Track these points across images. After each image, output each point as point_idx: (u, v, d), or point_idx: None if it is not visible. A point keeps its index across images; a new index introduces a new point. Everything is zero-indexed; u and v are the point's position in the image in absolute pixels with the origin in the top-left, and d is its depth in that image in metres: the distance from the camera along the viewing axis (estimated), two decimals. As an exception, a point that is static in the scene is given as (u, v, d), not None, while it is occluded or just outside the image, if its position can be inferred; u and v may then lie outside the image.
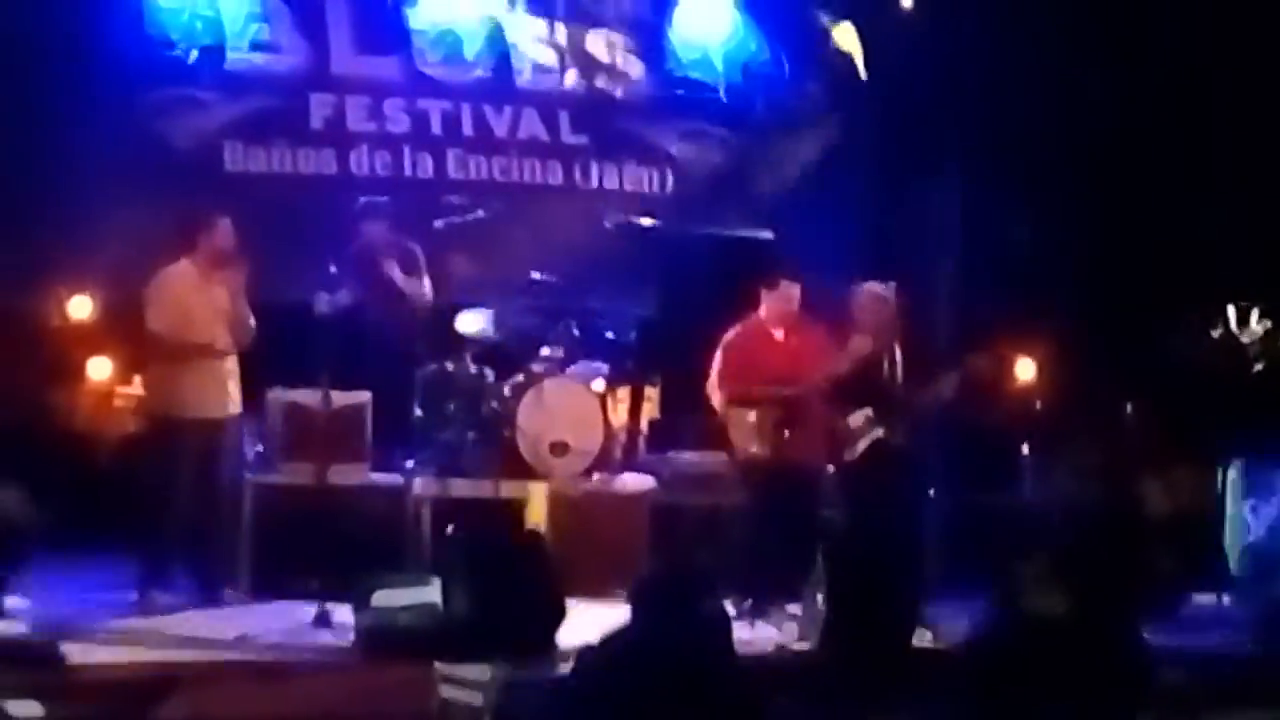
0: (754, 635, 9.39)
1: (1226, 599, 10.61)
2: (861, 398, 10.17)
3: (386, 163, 12.85)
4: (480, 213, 11.87)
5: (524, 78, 13.23)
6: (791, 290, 10.35)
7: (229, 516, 9.99)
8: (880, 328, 10.33)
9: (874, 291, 10.43)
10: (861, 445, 10.17)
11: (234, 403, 9.96)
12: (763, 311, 10.41)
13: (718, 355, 10.44)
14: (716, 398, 10.36)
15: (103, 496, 10.20)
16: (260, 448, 10.77)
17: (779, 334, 10.36)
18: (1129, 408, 11.36)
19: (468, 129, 13.08)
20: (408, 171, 12.90)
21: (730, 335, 10.48)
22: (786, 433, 10.04)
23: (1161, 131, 12.68)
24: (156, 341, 9.79)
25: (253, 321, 9.94)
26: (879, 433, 10.18)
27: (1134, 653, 7.65)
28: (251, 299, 10.09)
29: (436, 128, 13.01)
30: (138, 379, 10.13)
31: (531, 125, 13.23)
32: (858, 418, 10.19)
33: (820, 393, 10.15)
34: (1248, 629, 10.01)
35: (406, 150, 12.92)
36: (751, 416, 10.12)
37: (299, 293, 10.46)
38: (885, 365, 10.31)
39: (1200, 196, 12.73)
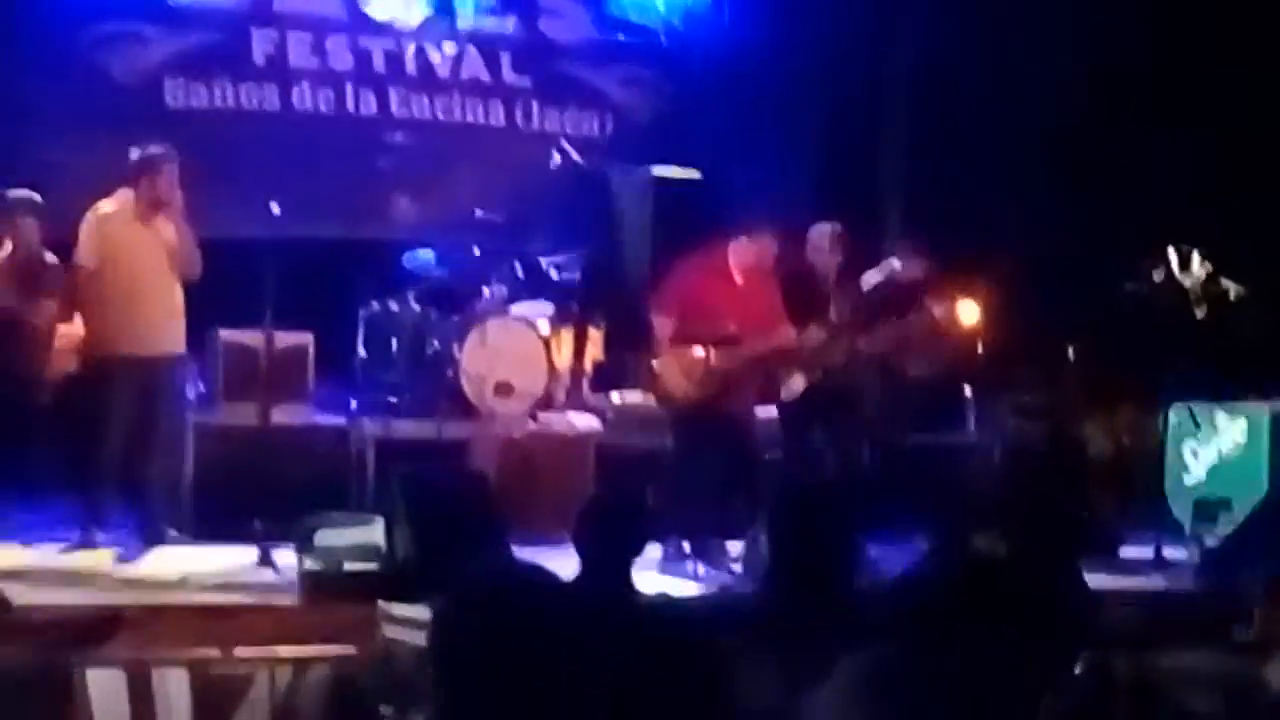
0: (696, 575, 9.41)
1: (1166, 540, 10.69)
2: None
3: (329, 100, 12.80)
4: (424, 152, 11.84)
5: (465, 18, 13.19)
6: (769, 244, 10.13)
7: (171, 456, 9.91)
8: (823, 268, 10.36)
9: (818, 232, 10.47)
10: (802, 385, 10.16)
11: (176, 340, 9.82)
12: (731, 254, 10.07)
13: (672, 282, 10.16)
14: (659, 322, 10.11)
15: (44, 437, 10.13)
16: (203, 388, 10.73)
17: (739, 280, 10.07)
18: (1070, 350, 11.39)
19: (410, 68, 13.04)
20: (350, 109, 12.85)
21: (691, 266, 10.16)
22: (729, 373, 9.93)
23: (1106, 74, 12.70)
24: (86, 276, 9.67)
25: (198, 256, 9.79)
26: (820, 373, 10.18)
27: (1074, 593, 7.72)
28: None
29: (379, 66, 12.96)
30: (78, 317, 9.99)
31: (473, 66, 13.19)
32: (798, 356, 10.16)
33: (765, 344, 10.01)
34: (1187, 570, 10.09)
35: (349, 88, 12.86)
36: (695, 353, 9.96)
37: (240, 230, 10.40)
38: (827, 306, 10.32)
39: (1142, 139, 12.77)
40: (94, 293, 9.66)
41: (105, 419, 9.58)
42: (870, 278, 10.83)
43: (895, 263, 10.98)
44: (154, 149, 9.70)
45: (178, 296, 9.73)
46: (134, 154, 9.69)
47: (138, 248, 9.60)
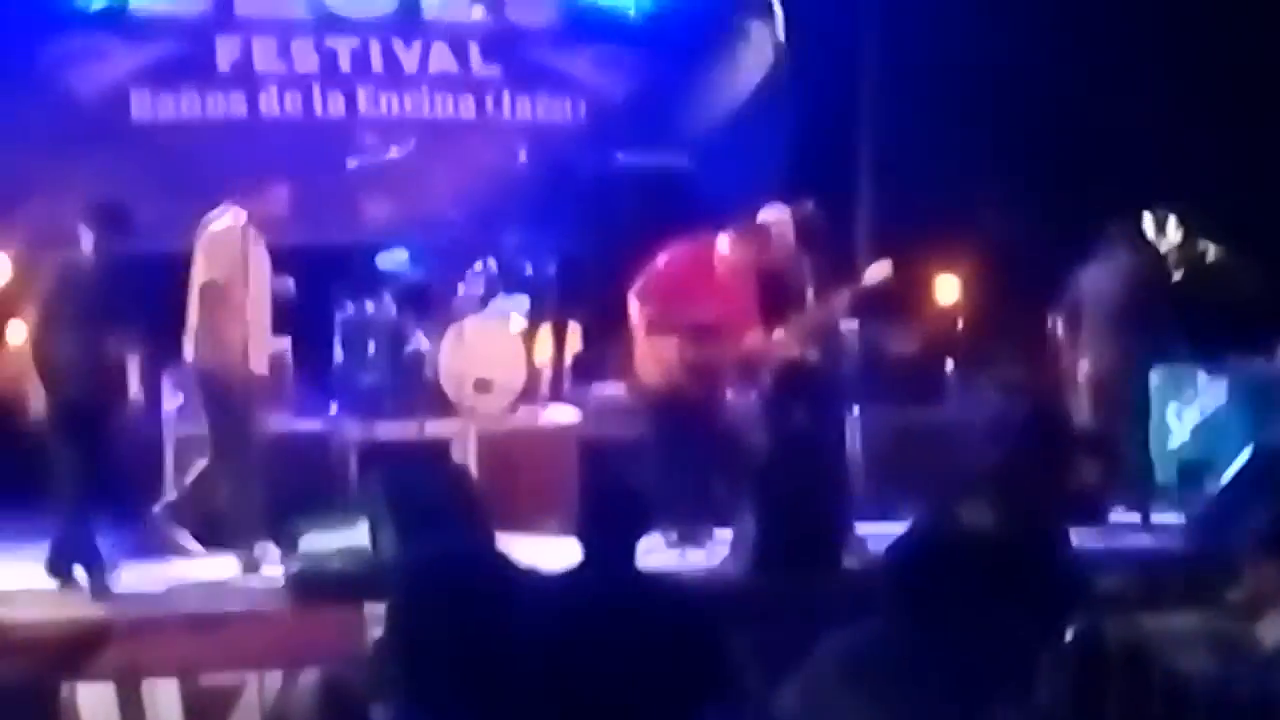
0: (684, 563, 9.37)
1: (1154, 503, 10.68)
2: (778, 320, 10.08)
3: (297, 103, 12.75)
4: (394, 150, 11.79)
5: (431, 10, 13.14)
6: (758, 240, 9.92)
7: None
8: (785, 249, 10.24)
9: (778, 214, 10.32)
10: (780, 367, 10.09)
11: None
12: (719, 246, 9.92)
13: (657, 267, 9.96)
14: (639, 308, 9.93)
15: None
16: (181, 400, 10.66)
17: (722, 273, 9.90)
18: (1050, 319, 11.36)
19: (377, 65, 12.99)
20: (318, 111, 12.80)
21: (678, 253, 9.98)
22: (704, 362, 9.85)
23: (1079, 42, 12.68)
24: (214, 293, 9.41)
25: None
26: (797, 353, 10.11)
27: (1063, 562, 7.70)
28: (165, 248, 9.90)
29: (345, 65, 12.91)
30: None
31: (441, 59, 13.14)
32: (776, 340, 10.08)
33: (743, 327, 9.93)
34: (1175, 532, 10.08)
35: (316, 89, 12.81)
36: (670, 341, 9.88)
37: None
38: (799, 286, 10.24)
39: (1116, 105, 12.76)
40: (222, 309, 9.48)
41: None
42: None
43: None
44: (266, 172, 9.78)
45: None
46: (251, 174, 9.72)
47: (255, 266, 9.49)
